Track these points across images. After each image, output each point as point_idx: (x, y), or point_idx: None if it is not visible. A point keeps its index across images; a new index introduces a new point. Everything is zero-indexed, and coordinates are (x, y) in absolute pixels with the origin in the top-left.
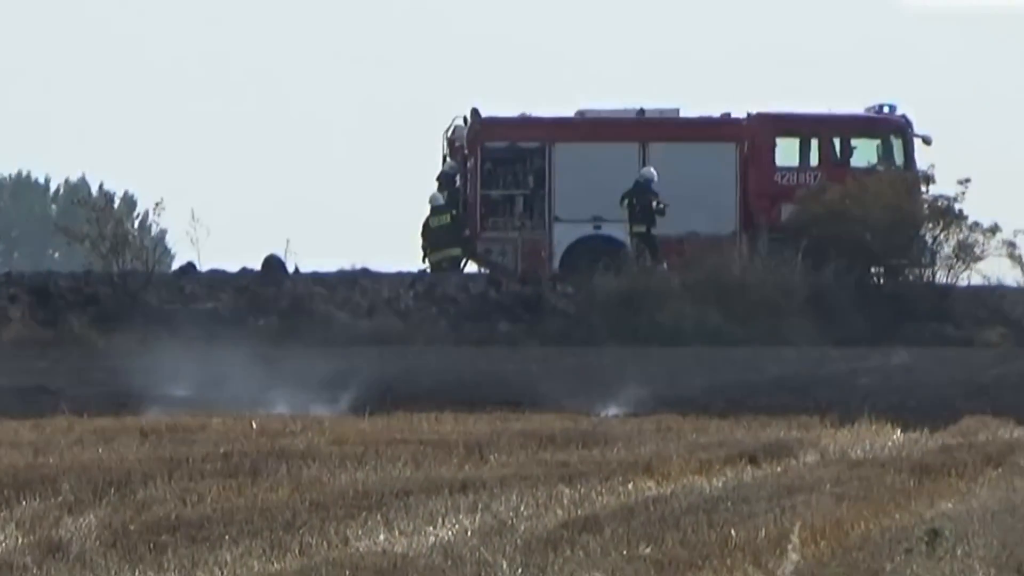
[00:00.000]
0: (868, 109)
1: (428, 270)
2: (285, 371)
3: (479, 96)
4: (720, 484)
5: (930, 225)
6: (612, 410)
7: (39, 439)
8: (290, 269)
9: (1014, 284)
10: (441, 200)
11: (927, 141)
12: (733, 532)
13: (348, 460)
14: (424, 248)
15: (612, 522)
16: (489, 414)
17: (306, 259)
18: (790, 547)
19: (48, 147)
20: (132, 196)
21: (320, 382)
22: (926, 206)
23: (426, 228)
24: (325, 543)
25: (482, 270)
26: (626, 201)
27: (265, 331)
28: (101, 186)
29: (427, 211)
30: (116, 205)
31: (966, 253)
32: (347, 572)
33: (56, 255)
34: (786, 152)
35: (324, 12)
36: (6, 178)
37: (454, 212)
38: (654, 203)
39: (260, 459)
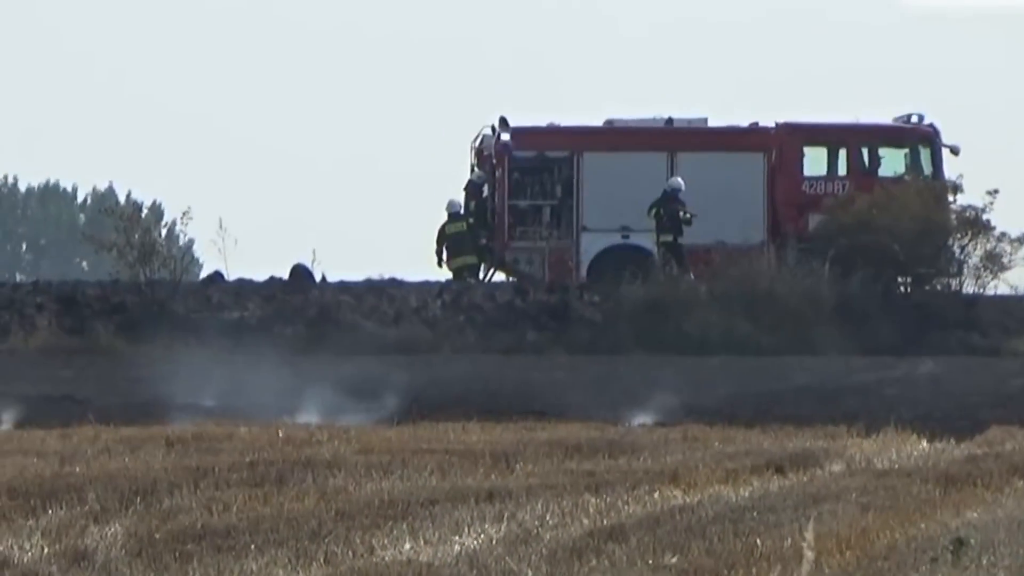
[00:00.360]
0: (896, 119)
1: (452, 276)
2: (312, 380)
3: (507, 106)
4: (746, 493)
5: (958, 235)
6: (639, 419)
7: (65, 448)
8: (317, 278)
9: None
10: (459, 207)
11: (955, 151)
12: (759, 541)
13: (374, 469)
14: (438, 252)
15: (638, 531)
16: (515, 423)
17: (333, 268)
18: (804, 546)
19: (76, 156)
20: (160, 205)
21: (347, 391)
22: (954, 216)
23: (442, 234)
24: (351, 552)
25: (509, 279)
26: (653, 211)
27: (292, 340)
28: (129, 195)
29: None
30: (144, 214)
31: (993, 263)
32: None
33: (84, 264)
34: (814, 162)
35: (351, 23)
36: (34, 187)
37: (470, 220)
38: (681, 213)
39: (286, 468)
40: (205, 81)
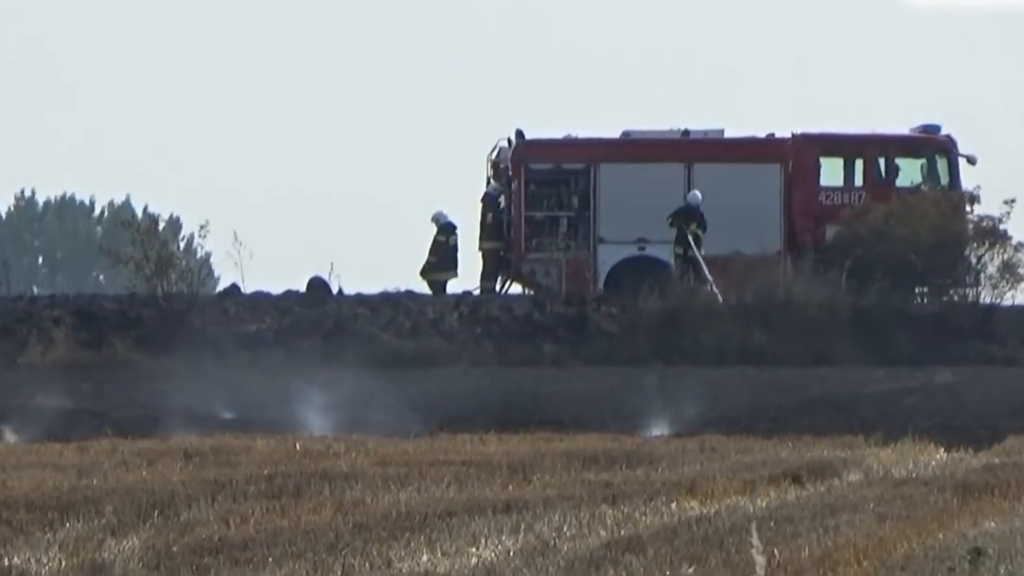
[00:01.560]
0: (913, 129)
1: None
2: (329, 392)
3: (524, 118)
4: (764, 504)
5: (975, 245)
6: (656, 430)
7: (83, 461)
8: (334, 291)
9: None
10: (447, 217)
11: (972, 161)
12: (776, 552)
13: (391, 481)
14: (433, 264)
15: (655, 542)
16: (533, 435)
17: (350, 281)
18: (753, 551)
19: (93, 169)
20: (177, 218)
21: (364, 403)
22: (971, 226)
23: (441, 245)
24: (368, 564)
25: (527, 291)
26: (670, 221)
27: (309, 352)
28: (146, 208)
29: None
30: (161, 227)
31: (1011, 273)
32: None
33: (100, 277)
34: (830, 172)
35: (367, 36)
36: (51, 200)
37: (455, 236)
38: (692, 227)
39: (303, 480)
40: (222, 94)
